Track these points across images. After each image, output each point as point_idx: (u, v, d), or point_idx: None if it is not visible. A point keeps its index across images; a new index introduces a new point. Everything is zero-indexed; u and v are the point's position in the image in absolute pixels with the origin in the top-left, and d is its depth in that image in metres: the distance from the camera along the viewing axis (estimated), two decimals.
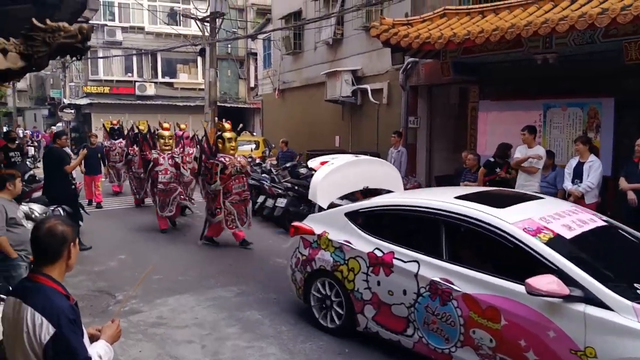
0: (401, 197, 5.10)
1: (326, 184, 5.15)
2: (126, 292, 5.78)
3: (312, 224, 5.13)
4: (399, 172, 9.93)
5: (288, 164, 11.49)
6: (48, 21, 3.72)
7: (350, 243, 4.62)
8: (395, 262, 4.24)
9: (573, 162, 6.91)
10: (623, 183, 6.23)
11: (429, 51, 9.02)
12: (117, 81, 28.12)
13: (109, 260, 7.31)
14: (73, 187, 7.81)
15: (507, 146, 7.83)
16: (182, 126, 11.97)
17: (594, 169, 6.64)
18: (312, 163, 5.72)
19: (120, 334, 2.34)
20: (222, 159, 7.97)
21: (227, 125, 8.47)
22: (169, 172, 9.11)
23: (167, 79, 29.07)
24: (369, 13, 12.34)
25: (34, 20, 3.68)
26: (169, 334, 4.78)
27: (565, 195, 6.96)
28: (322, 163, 5.50)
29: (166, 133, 9.54)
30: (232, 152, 8.18)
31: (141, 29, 28.05)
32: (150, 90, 28.05)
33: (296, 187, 9.11)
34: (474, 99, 10.02)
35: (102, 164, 11.77)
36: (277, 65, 18.00)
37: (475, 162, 8.38)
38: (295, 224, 5.31)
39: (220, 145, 8.20)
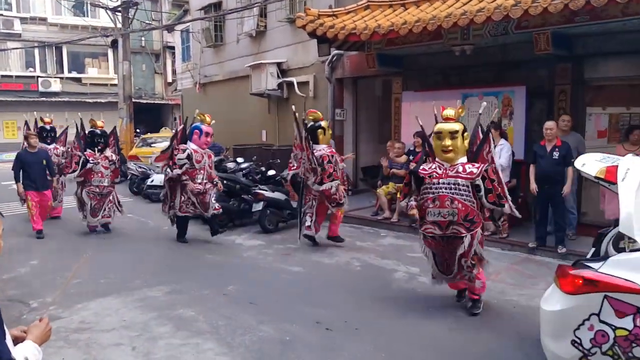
0: None
1: None
2: (41, 299, 5.37)
3: (632, 274, 3.05)
4: None
5: (215, 159, 11.16)
6: None
7: None
8: None
9: None
10: (532, 184, 6.87)
11: (354, 43, 9.12)
12: (17, 77, 26.04)
13: (19, 267, 6.69)
14: None
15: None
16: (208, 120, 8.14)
17: (505, 151, 7.24)
18: (590, 168, 3.56)
19: (50, 333, 2.09)
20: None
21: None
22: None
23: (74, 74, 27.33)
24: (293, 4, 12.28)
25: None
26: (94, 339, 4.44)
27: None
28: (612, 169, 3.45)
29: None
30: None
31: (43, 19, 26.14)
32: (56, 86, 26.26)
33: (224, 182, 8.85)
34: (397, 90, 10.26)
35: (49, 175, 8.62)
36: (197, 59, 17.45)
37: (402, 151, 8.60)
38: (585, 273, 3.18)
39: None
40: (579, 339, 3.16)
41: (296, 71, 12.54)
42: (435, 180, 4.70)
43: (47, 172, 8.53)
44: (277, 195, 8.75)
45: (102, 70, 28.27)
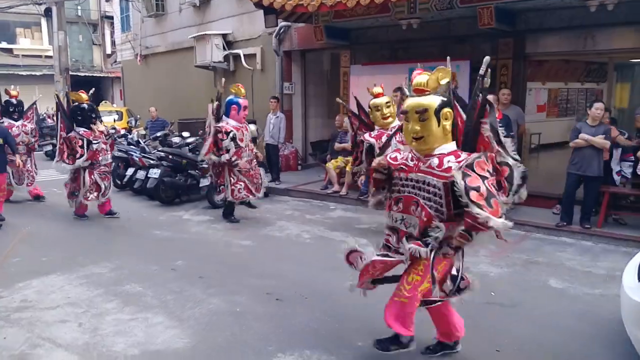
0: None
1: None
2: None
3: None
4: (278, 138, 9.94)
5: (159, 134, 10.90)
6: None
7: None
8: None
9: None
10: None
11: (302, 14, 9.03)
12: None
13: None
14: None
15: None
16: (244, 92, 7.51)
17: None
18: None
19: None
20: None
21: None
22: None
23: (4, 45, 25.60)
24: None
25: None
26: (38, 317, 4.29)
27: None
28: None
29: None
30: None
31: None
32: None
33: (170, 157, 8.65)
34: (345, 64, 10.27)
35: (10, 154, 7.73)
36: (138, 29, 16.77)
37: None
38: None
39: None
40: None
41: (243, 43, 12.29)
42: (403, 175, 3.31)
43: (10, 150, 7.59)
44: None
45: (35, 41, 26.59)
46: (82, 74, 25.58)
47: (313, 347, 3.76)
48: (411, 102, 3.18)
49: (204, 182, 8.34)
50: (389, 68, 9.25)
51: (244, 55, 12.07)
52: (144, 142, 10.42)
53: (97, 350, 3.74)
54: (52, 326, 4.13)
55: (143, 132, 12.54)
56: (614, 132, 6.68)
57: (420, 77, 3.20)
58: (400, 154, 3.42)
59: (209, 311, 4.43)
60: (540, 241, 6.56)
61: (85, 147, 7.31)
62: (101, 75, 26.96)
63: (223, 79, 7.83)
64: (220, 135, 6.99)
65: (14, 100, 8.73)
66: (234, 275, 5.32)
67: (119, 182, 10.13)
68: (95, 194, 7.60)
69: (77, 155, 7.30)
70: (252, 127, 9.41)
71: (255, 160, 7.45)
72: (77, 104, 7.51)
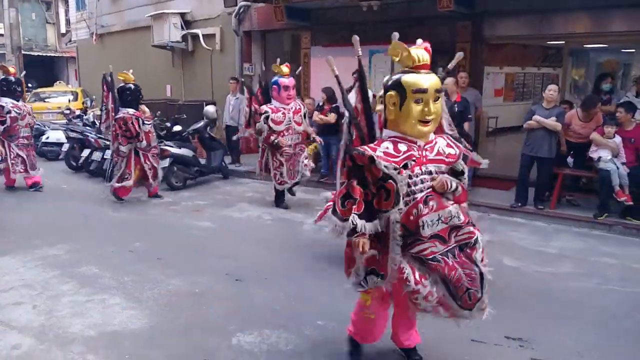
0: None
1: None
2: None
3: None
4: (238, 119, 9.84)
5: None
6: None
7: None
8: None
9: None
10: None
11: None
12: None
13: None
14: None
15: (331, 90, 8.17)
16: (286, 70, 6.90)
17: None
18: None
19: None
20: None
21: None
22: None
23: None
24: None
25: None
26: None
27: None
28: None
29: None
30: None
31: None
32: None
33: None
34: (306, 45, 10.22)
35: None
36: (93, 7, 16.18)
37: (312, 107, 8.70)
38: None
39: None
40: None
41: (201, 23, 12.04)
42: (417, 170, 2.78)
43: None
44: (184, 151, 8.52)
45: None
46: (36, 54, 24.58)
47: (273, 326, 3.79)
48: (428, 80, 2.77)
49: (163, 163, 8.19)
50: (349, 50, 9.23)
51: (203, 35, 11.84)
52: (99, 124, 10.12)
53: (53, 332, 3.69)
54: (5, 308, 4.05)
55: (99, 112, 12.17)
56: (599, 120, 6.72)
57: (423, 52, 2.84)
58: (377, 149, 2.78)
59: (168, 292, 4.41)
60: (495, 222, 6.72)
61: (140, 127, 7.05)
62: (55, 54, 25.96)
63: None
64: (256, 118, 6.86)
65: (12, 78, 7.98)
66: (194, 257, 5.30)
67: (74, 163, 9.91)
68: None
69: (134, 136, 7.06)
70: (211, 108, 9.32)
71: (298, 146, 7.02)
72: (123, 84, 7.20)
